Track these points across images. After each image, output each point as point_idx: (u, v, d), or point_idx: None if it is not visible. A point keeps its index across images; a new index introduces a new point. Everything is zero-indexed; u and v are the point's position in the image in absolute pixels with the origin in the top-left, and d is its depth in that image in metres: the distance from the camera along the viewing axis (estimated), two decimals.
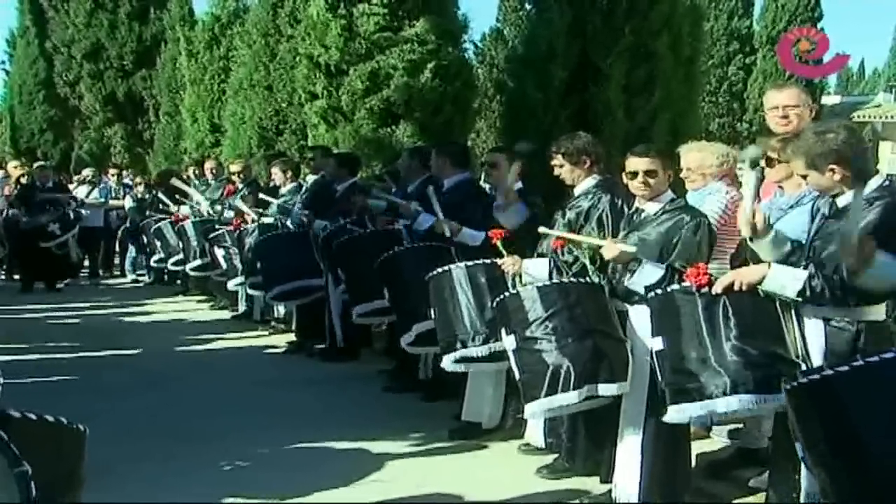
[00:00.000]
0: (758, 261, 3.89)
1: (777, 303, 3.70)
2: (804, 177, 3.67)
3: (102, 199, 14.26)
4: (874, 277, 3.36)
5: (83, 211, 13.87)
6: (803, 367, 3.59)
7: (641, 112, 8.02)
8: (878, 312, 3.52)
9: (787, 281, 3.60)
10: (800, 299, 3.59)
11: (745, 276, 3.70)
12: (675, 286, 3.91)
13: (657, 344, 3.90)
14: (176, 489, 4.74)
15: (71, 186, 14.89)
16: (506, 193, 5.79)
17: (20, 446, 2.19)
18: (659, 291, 3.96)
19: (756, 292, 3.68)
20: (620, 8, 7.88)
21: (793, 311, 3.69)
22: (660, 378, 3.94)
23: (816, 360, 3.61)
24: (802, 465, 3.64)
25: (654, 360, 3.96)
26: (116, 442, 5.22)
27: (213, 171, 12.10)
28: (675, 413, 3.82)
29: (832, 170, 3.55)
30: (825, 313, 3.59)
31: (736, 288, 3.67)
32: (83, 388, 7.06)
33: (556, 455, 5.11)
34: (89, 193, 14.14)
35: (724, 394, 3.63)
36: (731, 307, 3.68)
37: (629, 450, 4.34)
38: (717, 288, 3.70)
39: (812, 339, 3.65)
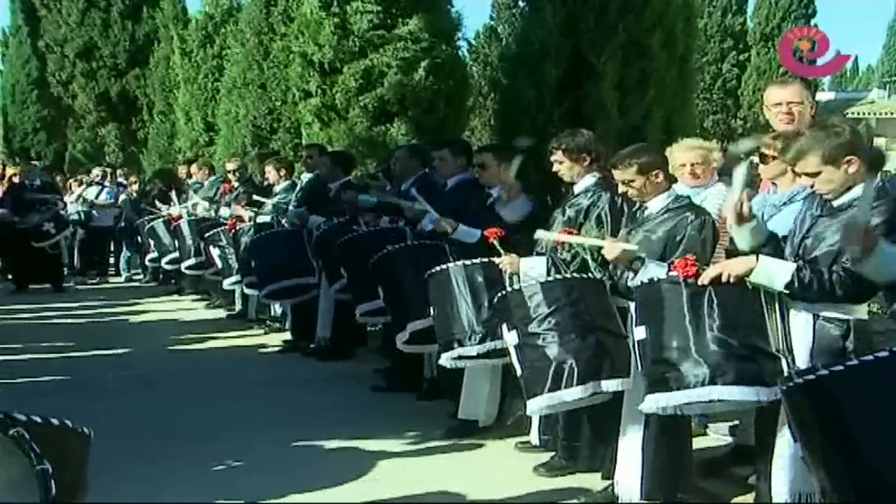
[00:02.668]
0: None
1: (762, 296, 3.68)
2: (816, 174, 3.59)
3: (111, 200, 14.25)
4: (874, 267, 3.33)
5: (94, 212, 13.91)
6: (783, 362, 3.59)
7: (635, 109, 8.01)
8: (863, 311, 3.53)
9: (775, 273, 3.59)
10: (787, 291, 3.58)
11: (732, 267, 3.67)
12: (662, 276, 3.89)
13: (640, 333, 3.88)
14: (171, 490, 4.73)
15: (79, 187, 14.90)
16: (508, 187, 5.77)
17: None
18: (645, 281, 3.93)
19: (742, 284, 3.66)
20: (613, 5, 7.86)
21: (777, 305, 3.68)
22: (640, 367, 3.93)
23: (802, 354, 3.60)
24: (774, 464, 3.65)
25: (636, 349, 3.94)
26: (110, 442, 5.18)
27: (206, 172, 12.08)
28: (652, 402, 3.79)
29: (849, 161, 3.51)
30: (816, 309, 3.58)
31: (724, 279, 3.64)
32: (77, 388, 7.05)
33: (553, 453, 5.10)
34: (98, 194, 14.13)
35: (703, 384, 3.62)
36: (717, 298, 3.66)
37: (631, 447, 4.32)
38: (705, 279, 3.67)
39: (800, 333, 3.63)
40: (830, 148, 3.53)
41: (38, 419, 2.27)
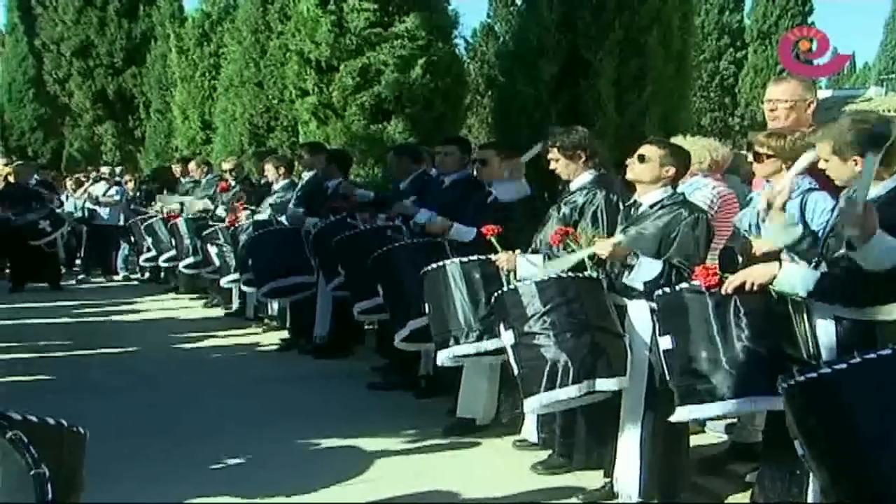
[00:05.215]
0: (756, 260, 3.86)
1: (788, 301, 3.61)
2: (825, 162, 3.54)
3: (119, 198, 14.24)
4: (870, 255, 3.24)
5: (99, 209, 13.91)
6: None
7: (632, 107, 8.00)
8: (890, 312, 3.41)
9: (797, 280, 3.51)
10: (811, 298, 3.51)
11: (755, 276, 3.59)
12: (684, 285, 3.83)
13: (666, 343, 3.85)
14: (169, 487, 4.73)
15: (79, 186, 14.91)
16: (514, 168, 5.98)
17: None
18: (667, 290, 3.89)
19: (766, 291, 3.60)
20: (610, 2, 7.85)
21: (804, 310, 3.61)
22: (668, 378, 3.90)
23: (827, 358, 3.50)
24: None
25: (663, 358, 3.92)
26: (108, 441, 5.20)
27: (204, 170, 12.08)
28: (686, 414, 3.77)
29: (856, 161, 3.42)
30: (837, 312, 3.52)
31: (747, 288, 3.59)
32: (75, 386, 7.05)
33: (551, 451, 5.10)
34: (106, 191, 14.13)
35: (737, 395, 3.59)
36: (742, 307, 3.61)
37: (629, 445, 4.34)
38: (728, 288, 3.61)
39: (823, 338, 3.57)
40: (842, 142, 3.45)
41: (35, 419, 2.27)
